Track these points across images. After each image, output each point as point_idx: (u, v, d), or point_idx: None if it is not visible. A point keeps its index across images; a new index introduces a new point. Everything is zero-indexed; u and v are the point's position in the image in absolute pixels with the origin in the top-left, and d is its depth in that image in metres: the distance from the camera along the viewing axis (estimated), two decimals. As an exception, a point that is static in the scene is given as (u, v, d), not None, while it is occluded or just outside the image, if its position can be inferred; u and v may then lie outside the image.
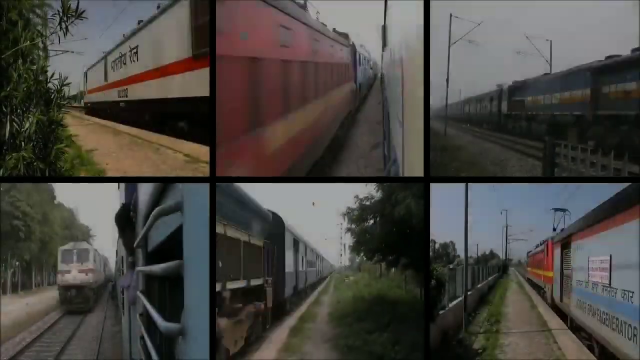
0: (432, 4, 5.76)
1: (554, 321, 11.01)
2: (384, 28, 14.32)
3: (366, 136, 17.34)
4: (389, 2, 11.43)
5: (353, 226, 12.67)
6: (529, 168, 14.43)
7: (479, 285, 15.36)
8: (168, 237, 3.48)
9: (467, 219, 10.13)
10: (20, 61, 5.95)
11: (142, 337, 4.20)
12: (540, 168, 13.15)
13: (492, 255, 32.08)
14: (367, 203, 12.13)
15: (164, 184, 3.67)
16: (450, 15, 20.20)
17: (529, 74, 22.48)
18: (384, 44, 14.98)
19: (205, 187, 3.00)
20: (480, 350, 8.25)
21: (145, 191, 4.74)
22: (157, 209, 3.04)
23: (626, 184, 5.94)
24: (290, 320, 12.75)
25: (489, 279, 20.02)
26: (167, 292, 4.28)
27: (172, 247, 3.23)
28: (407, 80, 6.63)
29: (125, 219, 6.05)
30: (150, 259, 4.67)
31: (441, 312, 8.63)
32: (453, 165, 13.40)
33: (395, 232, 10.62)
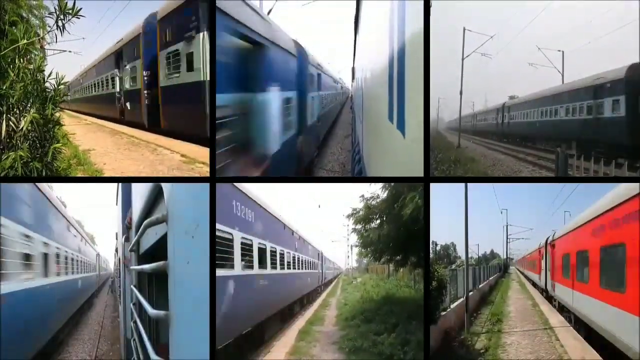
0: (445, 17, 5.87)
1: (555, 319, 10.96)
2: (353, 69, 24.02)
3: (342, 130, 27.97)
4: (356, 54, 19.66)
5: (359, 227, 12.50)
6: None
7: (480, 286, 15.30)
8: (156, 243, 4.27)
9: (467, 219, 10.05)
10: (17, 60, 5.90)
11: (134, 321, 5.26)
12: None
13: (493, 255, 32.00)
14: (373, 203, 12.00)
15: (153, 198, 4.36)
16: (464, 29, 20.90)
17: (541, 86, 23.52)
18: (353, 78, 25.06)
19: (187, 200, 3.34)
20: (482, 350, 8.20)
21: (137, 206, 5.62)
22: (146, 221, 3.74)
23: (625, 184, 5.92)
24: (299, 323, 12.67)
25: (490, 278, 19.96)
26: (155, 286, 5.41)
27: (159, 250, 3.88)
28: (365, 97, 11.07)
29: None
30: (142, 259, 5.58)
31: (443, 313, 8.57)
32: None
33: (403, 231, 10.47)
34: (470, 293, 11.09)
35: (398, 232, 10.83)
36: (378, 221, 12.10)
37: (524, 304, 14.57)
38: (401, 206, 10.04)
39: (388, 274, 26.36)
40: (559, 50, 23.13)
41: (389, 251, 12.32)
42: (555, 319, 11.05)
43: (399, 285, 19.36)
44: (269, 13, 13.58)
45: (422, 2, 3.92)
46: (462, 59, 21.48)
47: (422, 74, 3.46)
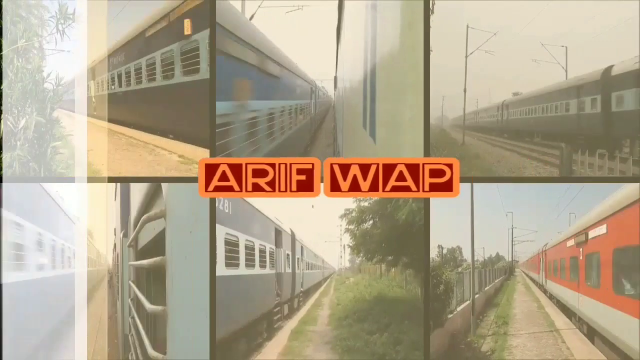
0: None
1: (561, 321, 10.91)
2: (335, 78, 25.79)
3: (324, 139, 26.74)
4: (338, 64, 21.07)
5: (352, 227, 12.54)
6: (546, 175, 14.59)
7: (486, 288, 15.22)
8: (154, 238, 4.46)
9: (473, 219, 9.94)
10: (16, 60, 5.88)
11: (132, 317, 5.54)
12: (557, 175, 13.30)
13: (498, 257, 31.92)
14: (366, 204, 11.98)
15: (151, 194, 4.66)
16: (467, 27, 20.96)
17: (545, 82, 23.99)
18: (335, 87, 27.13)
19: (185, 196, 3.51)
20: (488, 353, 8.15)
21: (136, 201, 5.90)
22: (144, 217, 3.89)
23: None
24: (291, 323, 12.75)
25: (496, 281, 19.86)
26: (152, 281, 5.64)
27: (157, 245, 3.99)
28: (345, 106, 12.41)
29: None
30: (140, 255, 5.78)
31: (450, 316, 8.56)
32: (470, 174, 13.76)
33: (396, 232, 10.47)
34: (477, 296, 11.05)
35: (391, 233, 10.85)
36: (371, 222, 12.12)
37: (529, 306, 14.48)
38: (394, 208, 10.01)
39: (380, 274, 26.37)
40: (562, 46, 23.14)
41: (381, 251, 12.36)
42: (561, 321, 10.99)
43: (391, 285, 19.42)
44: (251, 18, 13.74)
45: (392, 20, 3.88)
46: (466, 57, 21.60)
47: (391, 83, 3.45)
